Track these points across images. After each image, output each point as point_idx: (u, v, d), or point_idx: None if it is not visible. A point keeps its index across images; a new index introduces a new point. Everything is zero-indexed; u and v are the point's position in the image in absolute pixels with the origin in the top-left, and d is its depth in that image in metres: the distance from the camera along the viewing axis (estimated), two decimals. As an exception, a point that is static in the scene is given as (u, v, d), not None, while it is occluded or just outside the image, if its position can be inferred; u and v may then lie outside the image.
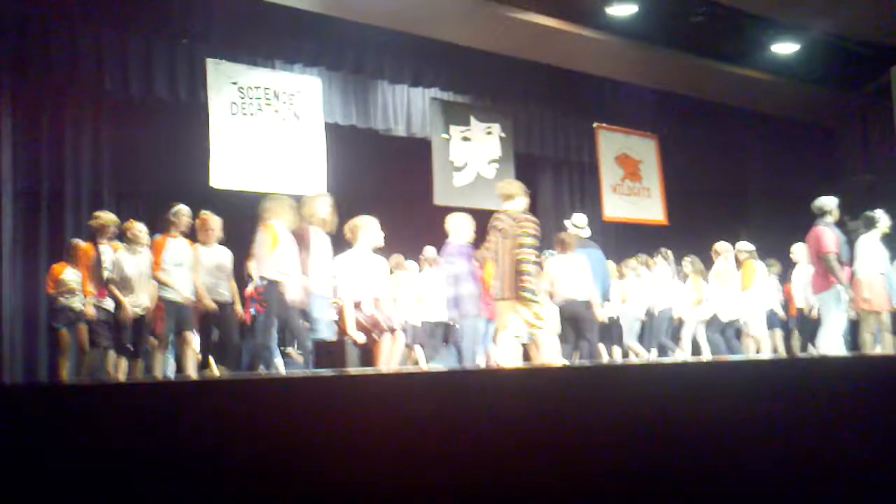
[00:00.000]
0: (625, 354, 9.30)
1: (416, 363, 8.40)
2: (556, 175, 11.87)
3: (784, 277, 9.84)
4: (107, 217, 6.91)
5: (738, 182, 12.86)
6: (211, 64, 8.36)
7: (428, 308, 8.36)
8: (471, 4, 9.09)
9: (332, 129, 9.24)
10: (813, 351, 8.97)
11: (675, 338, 9.45)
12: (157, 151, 8.90)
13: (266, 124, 8.70)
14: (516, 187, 6.08)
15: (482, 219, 6.92)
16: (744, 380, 2.62)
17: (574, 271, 7.60)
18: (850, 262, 7.23)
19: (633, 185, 11.69)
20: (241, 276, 7.55)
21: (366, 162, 9.57)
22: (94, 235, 6.93)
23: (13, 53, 7.56)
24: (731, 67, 11.03)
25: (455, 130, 10.15)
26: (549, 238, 8.22)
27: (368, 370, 5.46)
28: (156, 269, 6.47)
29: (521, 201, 6.04)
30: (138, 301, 6.54)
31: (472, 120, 10.36)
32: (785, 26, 10.36)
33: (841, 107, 12.35)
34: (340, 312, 6.27)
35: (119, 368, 6.59)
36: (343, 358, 6.50)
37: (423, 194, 9.63)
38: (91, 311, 6.83)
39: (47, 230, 7.92)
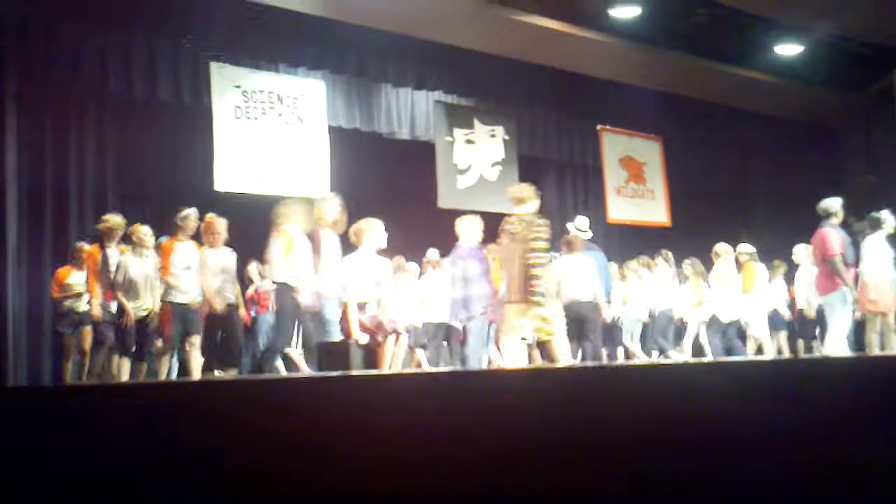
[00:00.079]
0: (626, 356, 9.31)
1: (419, 365, 8.41)
2: (560, 177, 11.88)
3: (789, 278, 9.83)
4: (114, 220, 6.91)
5: (742, 184, 12.86)
6: (214, 67, 8.38)
7: (430, 310, 8.38)
8: (474, 7, 9.10)
9: (336, 133, 9.25)
10: (816, 352, 8.97)
11: (678, 339, 9.46)
12: (160, 154, 8.93)
13: (270, 128, 8.71)
14: (528, 191, 6.07)
15: (485, 221, 6.95)
16: (745, 381, 2.61)
17: (580, 272, 7.63)
18: (856, 263, 7.22)
19: (637, 188, 11.68)
20: (241, 279, 7.58)
21: (369, 165, 9.59)
22: (100, 238, 6.94)
23: (17, 55, 7.57)
24: (734, 69, 11.02)
25: (459, 133, 10.15)
26: (554, 241, 8.22)
27: (371, 372, 5.47)
28: (164, 272, 6.49)
29: (533, 205, 6.04)
30: (143, 304, 6.55)
31: (476, 123, 10.37)
32: (788, 28, 10.36)
33: (844, 108, 12.34)
34: (344, 314, 6.29)
35: (123, 371, 6.60)
36: (347, 360, 6.51)
37: (426, 197, 9.63)
38: (97, 312, 6.84)
39: (51, 233, 7.94)
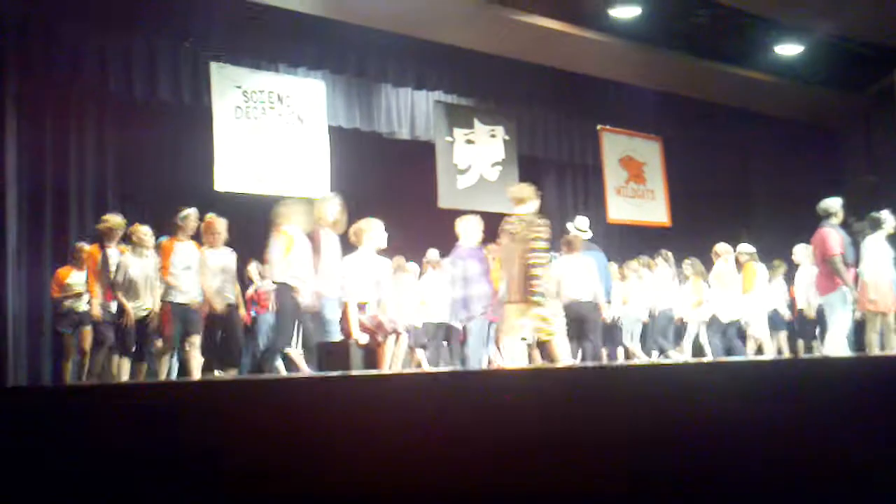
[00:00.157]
0: (626, 356, 9.32)
1: (419, 365, 8.42)
2: (560, 178, 11.88)
3: (789, 278, 9.83)
4: (115, 220, 6.90)
5: (742, 184, 12.86)
6: (214, 67, 8.39)
7: (430, 310, 8.38)
8: (474, 7, 9.10)
9: (336, 132, 9.25)
10: (816, 352, 8.96)
11: (678, 339, 9.46)
12: (160, 154, 8.93)
13: (270, 128, 8.71)
14: (528, 191, 6.07)
15: (485, 221, 6.95)
16: (745, 381, 2.61)
17: (580, 272, 7.63)
18: (856, 263, 7.22)
19: (637, 188, 11.68)
20: (241, 279, 7.58)
21: (369, 165, 9.59)
22: (100, 238, 6.94)
23: (17, 55, 7.58)
24: (734, 69, 11.02)
25: (459, 133, 10.15)
26: (554, 241, 8.22)
27: (371, 372, 5.47)
28: (164, 272, 6.49)
29: (533, 205, 6.03)
30: (143, 304, 6.55)
31: (476, 123, 10.37)
32: (788, 28, 10.36)
33: (844, 108, 12.34)
34: (344, 314, 6.29)
35: (123, 371, 6.60)
36: (347, 360, 6.51)
37: (426, 197, 9.63)
38: (97, 312, 6.83)
39: (51, 233, 7.94)
